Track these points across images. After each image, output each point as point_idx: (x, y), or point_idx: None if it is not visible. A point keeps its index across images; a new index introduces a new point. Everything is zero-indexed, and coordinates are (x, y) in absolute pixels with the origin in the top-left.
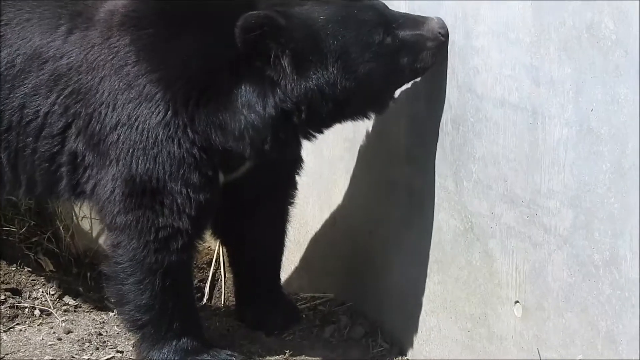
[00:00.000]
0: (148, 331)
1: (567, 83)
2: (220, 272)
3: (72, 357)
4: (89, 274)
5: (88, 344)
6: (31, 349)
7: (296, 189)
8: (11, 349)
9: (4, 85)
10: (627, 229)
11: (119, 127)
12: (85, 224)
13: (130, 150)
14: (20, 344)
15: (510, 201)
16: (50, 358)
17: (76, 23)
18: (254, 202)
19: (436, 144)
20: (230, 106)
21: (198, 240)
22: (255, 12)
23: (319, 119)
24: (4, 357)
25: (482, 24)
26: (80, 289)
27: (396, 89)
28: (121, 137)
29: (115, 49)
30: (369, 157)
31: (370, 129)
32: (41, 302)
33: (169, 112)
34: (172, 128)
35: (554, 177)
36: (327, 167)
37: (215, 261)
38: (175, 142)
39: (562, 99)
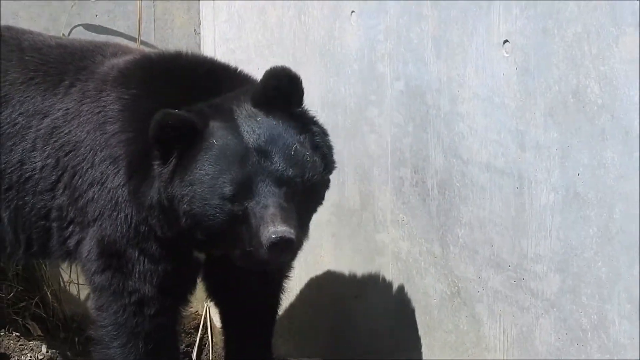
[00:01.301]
0: None
1: (553, 147)
2: (208, 336)
3: None
4: (76, 339)
5: None
6: None
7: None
8: None
9: (5, 143)
10: (615, 293)
11: (94, 185)
12: (73, 289)
13: (101, 210)
14: None
15: (497, 265)
16: None
17: (78, 77)
18: (247, 271)
19: (422, 209)
20: (146, 181)
21: (176, 305)
22: (178, 112)
23: (168, 226)
24: None
25: (467, 89)
26: (69, 353)
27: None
28: (95, 196)
29: (103, 104)
30: (355, 221)
31: (356, 193)
32: None
33: (126, 176)
34: (129, 189)
35: (540, 241)
36: (314, 230)
37: (203, 326)
38: (131, 207)
39: (548, 163)
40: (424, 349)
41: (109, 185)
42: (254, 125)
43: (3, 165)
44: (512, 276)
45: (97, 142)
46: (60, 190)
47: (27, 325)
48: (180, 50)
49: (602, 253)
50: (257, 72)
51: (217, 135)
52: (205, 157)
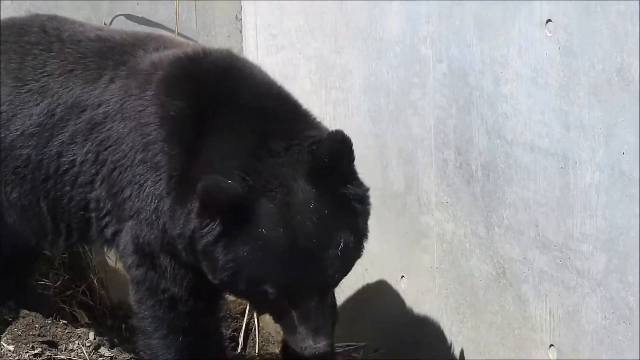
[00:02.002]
0: None
1: (597, 127)
2: (254, 321)
3: None
4: (123, 326)
5: None
6: None
7: None
8: None
9: (43, 134)
10: None
11: (132, 185)
12: (119, 277)
13: (137, 210)
14: None
15: (543, 246)
16: None
17: (118, 72)
18: None
19: (466, 191)
20: (183, 209)
21: (210, 303)
22: (229, 185)
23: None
24: None
25: (510, 70)
26: (116, 340)
27: None
28: (132, 195)
29: (147, 104)
30: (400, 204)
31: (400, 176)
32: (77, 354)
33: (162, 186)
34: (162, 200)
35: (586, 221)
36: None
37: (249, 311)
38: (168, 217)
39: (593, 142)
40: (470, 331)
41: (147, 190)
42: (307, 217)
43: (40, 156)
44: (558, 256)
45: (138, 143)
46: (99, 183)
47: (74, 313)
48: (231, 55)
49: None
50: (298, 57)
51: (268, 224)
52: (252, 244)
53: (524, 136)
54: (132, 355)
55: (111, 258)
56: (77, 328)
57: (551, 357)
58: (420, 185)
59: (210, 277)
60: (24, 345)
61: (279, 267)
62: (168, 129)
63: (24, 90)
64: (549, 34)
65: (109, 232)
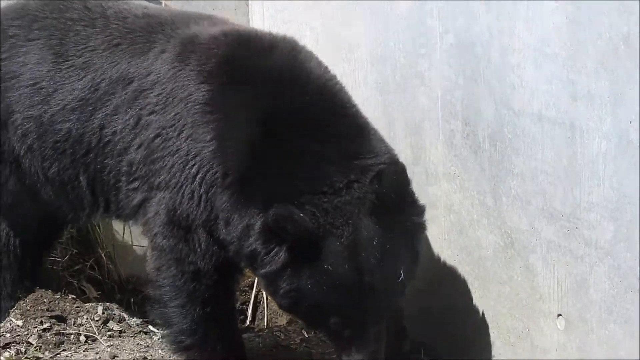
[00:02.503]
0: (192, 354)
1: (604, 96)
2: (262, 294)
3: None
4: (132, 300)
5: None
6: None
7: None
8: None
9: (85, 108)
10: None
11: (175, 157)
12: (127, 251)
13: (179, 185)
14: None
15: (550, 215)
16: None
17: (171, 44)
18: None
19: (474, 161)
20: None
21: (234, 277)
22: (301, 219)
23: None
24: None
25: (517, 40)
26: (124, 314)
27: None
28: (175, 167)
29: (204, 79)
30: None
31: (408, 147)
32: (86, 328)
33: (215, 175)
34: (214, 189)
35: (593, 190)
36: None
37: (257, 284)
38: (213, 201)
39: (600, 112)
40: (478, 301)
41: (194, 169)
42: (371, 254)
43: (82, 130)
44: (566, 225)
45: (188, 117)
46: (135, 147)
47: (82, 287)
48: (296, 52)
49: None
50: (304, 30)
51: (334, 262)
52: (318, 279)
53: (531, 106)
54: (140, 328)
55: (119, 232)
56: (85, 302)
57: (559, 327)
58: (428, 156)
59: (267, 292)
60: (32, 320)
61: (343, 301)
62: (224, 115)
63: (65, 66)
64: (556, 4)
65: (136, 198)
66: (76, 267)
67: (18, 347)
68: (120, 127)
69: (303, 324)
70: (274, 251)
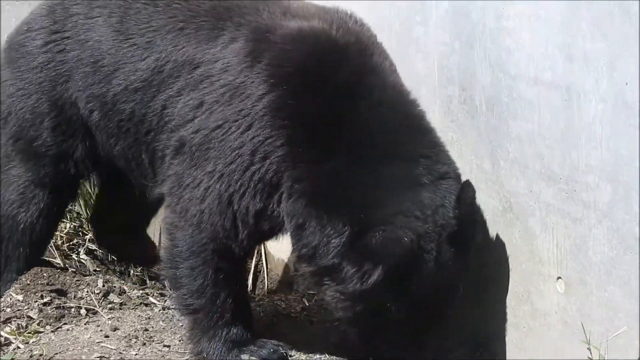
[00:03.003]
0: (199, 317)
1: (600, 58)
2: (262, 263)
3: (120, 353)
4: (131, 272)
5: (135, 340)
6: (79, 348)
7: None
8: (60, 348)
9: (149, 90)
10: None
11: (236, 152)
12: None
13: (238, 182)
14: (69, 342)
15: (548, 178)
16: (99, 355)
17: (242, 34)
18: None
19: (471, 126)
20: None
21: (253, 248)
22: (407, 244)
23: None
24: (53, 356)
25: (512, 4)
26: (125, 286)
27: None
28: (234, 164)
29: (275, 82)
30: None
31: None
32: (86, 302)
33: (283, 180)
34: (279, 194)
35: (591, 152)
36: None
37: (257, 253)
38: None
39: (596, 74)
40: (477, 266)
41: (262, 171)
42: (445, 276)
43: (144, 110)
44: (564, 188)
45: (259, 118)
46: (192, 129)
47: (82, 261)
48: (367, 41)
49: None
50: None
51: (419, 285)
52: (400, 299)
53: (527, 70)
54: (141, 300)
55: None
56: (85, 276)
57: (559, 290)
58: None
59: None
60: (32, 295)
61: (412, 323)
62: (297, 124)
63: (126, 45)
64: None
65: (175, 170)
66: (75, 241)
67: (19, 322)
68: (180, 106)
69: (352, 331)
70: (365, 269)
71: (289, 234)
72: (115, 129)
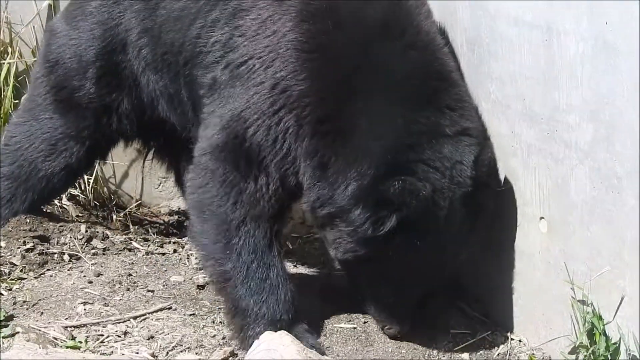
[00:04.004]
0: (232, 284)
1: None
2: None
3: (104, 299)
4: (114, 217)
5: (119, 285)
6: (63, 293)
7: None
8: (43, 294)
9: (186, 18)
10: None
11: (259, 87)
12: (108, 169)
13: (257, 117)
14: (52, 289)
15: (530, 119)
16: (82, 301)
17: None
18: None
19: None
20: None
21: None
22: (424, 195)
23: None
24: (36, 302)
25: None
26: (107, 232)
27: None
28: (255, 98)
29: (302, 18)
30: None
31: None
32: (70, 248)
33: (305, 116)
34: (301, 129)
35: (572, 92)
36: None
37: None
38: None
39: (577, 13)
40: None
41: (279, 105)
42: (454, 239)
43: (182, 40)
44: (545, 129)
45: (283, 53)
46: (222, 66)
47: (64, 207)
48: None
49: (633, 100)
50: None
51: (427, 240)
52: (407, 250)
53: (507, 9)
54: (124, 245)
55: None
56: (68, 222)
57: (542, 230)
58: None
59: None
60: (15, 241)
61: (414, 275)
62: (323, 59)
63: None
64: None
65: (208, 109)
66: None
67: (2, 269)
68: (213, 40)
69: (350, 281)
70: (379, 216)
71: (304, 178)
72: (160, 63)
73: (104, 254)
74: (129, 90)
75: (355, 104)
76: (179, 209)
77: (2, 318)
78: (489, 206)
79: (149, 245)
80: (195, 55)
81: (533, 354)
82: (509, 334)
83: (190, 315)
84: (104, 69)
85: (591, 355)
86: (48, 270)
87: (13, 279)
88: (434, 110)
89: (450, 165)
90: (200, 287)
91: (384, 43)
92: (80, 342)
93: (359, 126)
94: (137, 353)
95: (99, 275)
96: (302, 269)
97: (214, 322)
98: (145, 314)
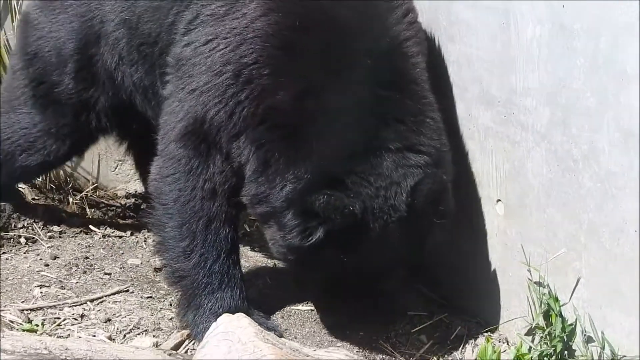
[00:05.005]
0: (186, 285)
1: None
2: None
3: (60, 282)
4: (70, 200)
5: (75, 268)
6: (19, 277)
7: None
8: None
9: (165, 7)
10: (604, 122)
11: (220, 68)
12: None
13: (216, 98)
14: (8, 272)
15: (487, 102)
16: (39, 284)
17: None
18: None
19: None
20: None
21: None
22: (351, 213)
23: None
24: None
25: None
26: (64, 215)
27: None
28: (216, 80)
29: (271, 7)
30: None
31: None
32: (26, 231)
33: (259, 104)
34: (254, 118)
35: (528, 75)
36: None
37: None
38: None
39: None
40: None
41: (239, 89)
42: (383, 256)
43: (159, 29)
44: (502, 111)
45: (249, 39)
46: (184, 43)
47: (20, 190)
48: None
49: (590, 83)
50: None
51: (355, 255)
52: (334, 262)
53: None
54: (81, 228)
55: None
56: (24, 205)
57: (499, 212)
58: None
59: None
60: None
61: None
62: (283, 50)
63: None
64: None
65: (165, 91)
66: None
67: None
68: (185, 19)
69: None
70: (309, 227)
71: (247, 168)
72: (135, 54)
73: (60, 237)
74: (104, 88)
75: (306, 105)
76: (136, 191)
77: None
78: (435, 240)
79: (105, 228)
80: (170, 43)
81: (490, 335)
82: (466, 315)
83: (148, 298)
84: (81, 62)
85: (547, 336)
86: (4, 253)
87: None
88: (378, 122)
89: (386, 185)
90: (157, 269)
91: (345, 47)
92: (37, 326)
93: (305, 128)
94: (94, 336)
95: (55, 258)
96: (259, 252)
97: (171, 305)
98: (102, 297)
